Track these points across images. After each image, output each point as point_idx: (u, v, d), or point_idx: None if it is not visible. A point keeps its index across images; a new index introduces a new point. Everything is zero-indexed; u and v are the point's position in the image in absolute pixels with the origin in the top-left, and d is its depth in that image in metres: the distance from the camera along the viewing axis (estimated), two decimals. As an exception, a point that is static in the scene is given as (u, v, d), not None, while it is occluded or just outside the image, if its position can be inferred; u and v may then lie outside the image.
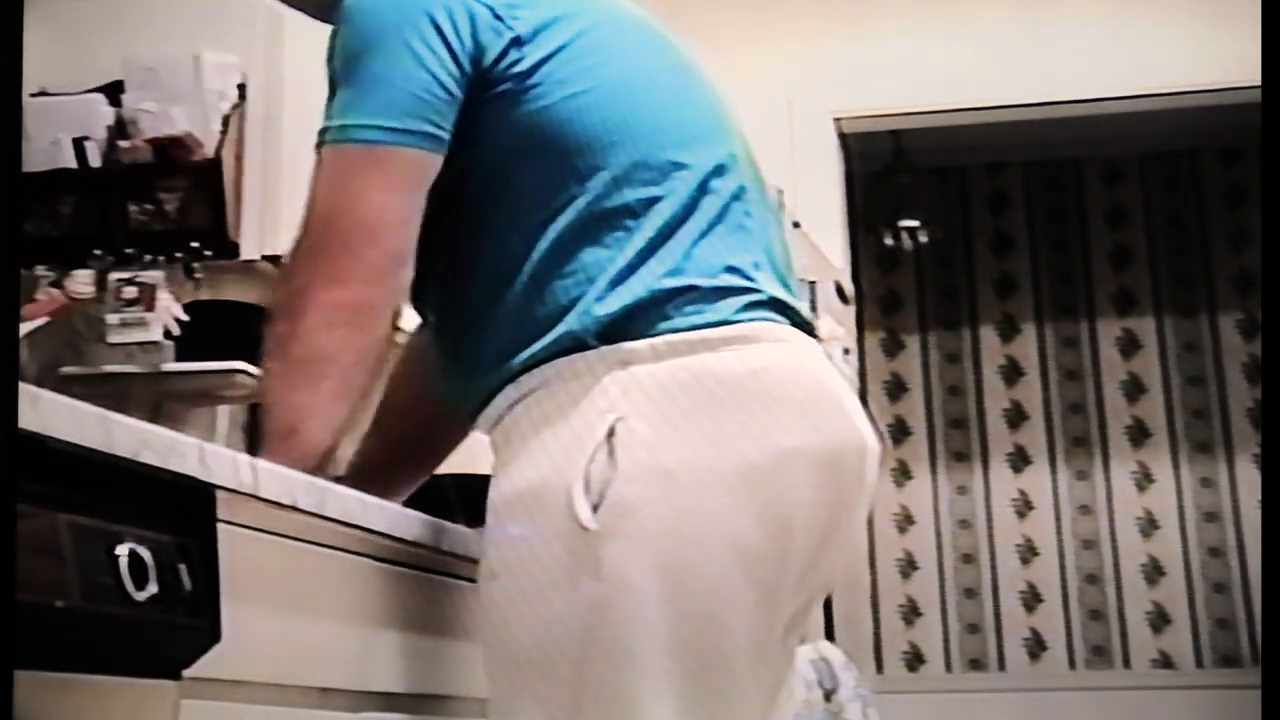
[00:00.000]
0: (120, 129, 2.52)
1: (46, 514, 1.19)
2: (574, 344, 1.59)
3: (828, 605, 3.20)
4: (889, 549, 5.49)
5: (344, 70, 1.65)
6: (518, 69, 1.63)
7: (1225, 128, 5.56)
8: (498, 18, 1.63)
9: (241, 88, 2.57)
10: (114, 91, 2.54)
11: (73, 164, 2.49)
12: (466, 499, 2.31)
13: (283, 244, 2.55)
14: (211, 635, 1.38)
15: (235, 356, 2.59)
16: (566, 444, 1.58)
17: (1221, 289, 5.94)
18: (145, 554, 1.28)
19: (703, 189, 1.66)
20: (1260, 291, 5.80)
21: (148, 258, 2.50)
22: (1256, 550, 5.68)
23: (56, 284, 2.50)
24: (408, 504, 1.87)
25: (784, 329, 1.64)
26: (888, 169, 5.75)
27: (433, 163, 1.62)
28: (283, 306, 1.66)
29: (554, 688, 1.56)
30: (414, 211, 1.62)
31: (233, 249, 2.52)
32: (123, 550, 1.26)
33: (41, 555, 1.17)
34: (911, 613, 5.95)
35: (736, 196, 1.70)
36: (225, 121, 2.52)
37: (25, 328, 2.45)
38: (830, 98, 4.26)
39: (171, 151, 2.49)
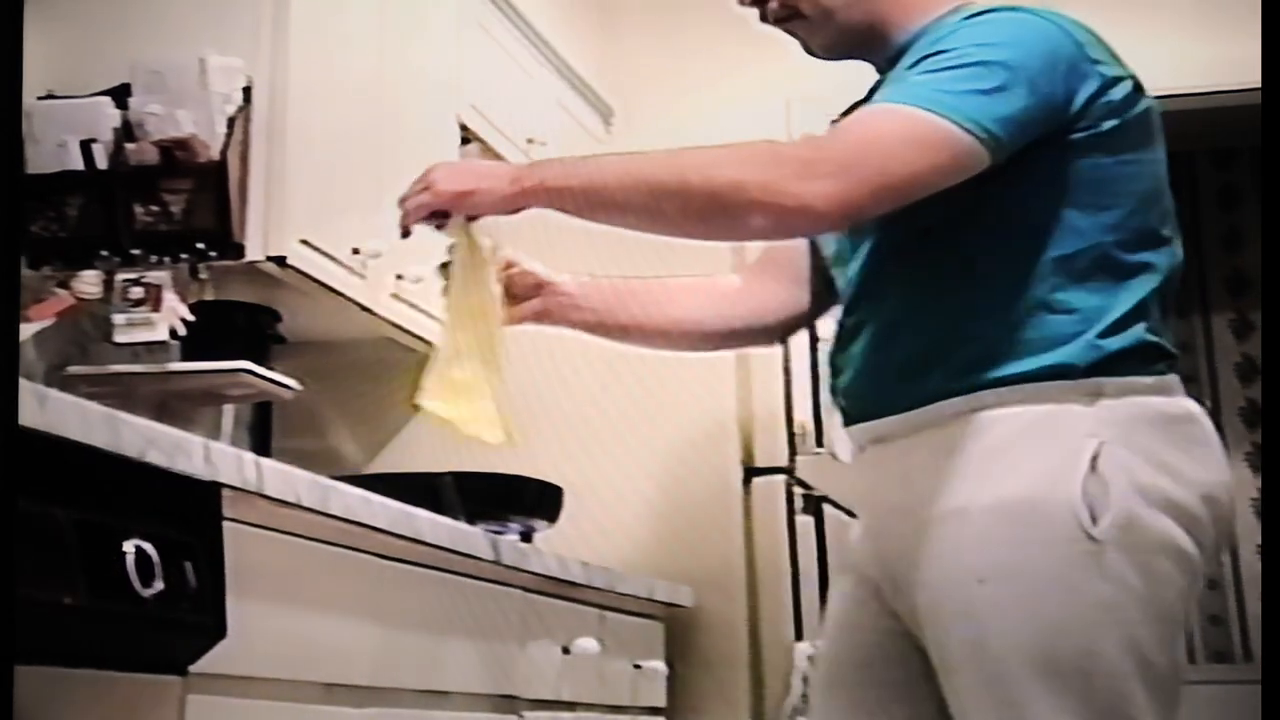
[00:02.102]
0: (127, 131, 2.52)
1: (54, 511, 1.20)
2: (1060, 373, 1.78)
3: (825, 603, 3.22)
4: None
5: (965, 56, 1.78)
6: (1099, 130, 1.82)
7: (1218, 130, 5.57)
8: (1104, 85, 1.83)
9: (246, 90, 2.57)
10: (120, 94, 2.54)
11: (80, 166, 2.50)
12: (468, 496, 2.33)
13: (287, 244, 2.58)
14: (217, 631, 1.40)
15: (240, 356, 2.60)
16: (1057, 460, 1.75)
17: (1214, 289, 5.94)
18: (151, 551, 1.29)
19: (1175, 266, 1.91)
20: (1254, 291, 5.82)
21: (154, 258, 2.50)
22: (1248, 548, 5.70)
23: (63, 285, 2.51)
24: (409, 500, 1.89)
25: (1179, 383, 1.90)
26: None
27: (980, 158, 1.74)
28: (765, 168, 1.77)
29: (1060, 684, 1.72)
30: (934, 186, 1.74)
31: (237, 250, 2.52)
32: (129, 547, 1.27)
33: (49, 552, 1.18)
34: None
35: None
36: (230, 123, 2.53)
37: (33, 328, 2.47)
38: (829, 101, 4.26)
39: (177, 153, 2.49)
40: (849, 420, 1.92)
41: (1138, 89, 1.88)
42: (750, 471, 3.04)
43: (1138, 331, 1.83)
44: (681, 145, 2.79)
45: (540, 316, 2.11)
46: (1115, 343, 1.80)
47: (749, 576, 3.00)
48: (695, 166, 1.79)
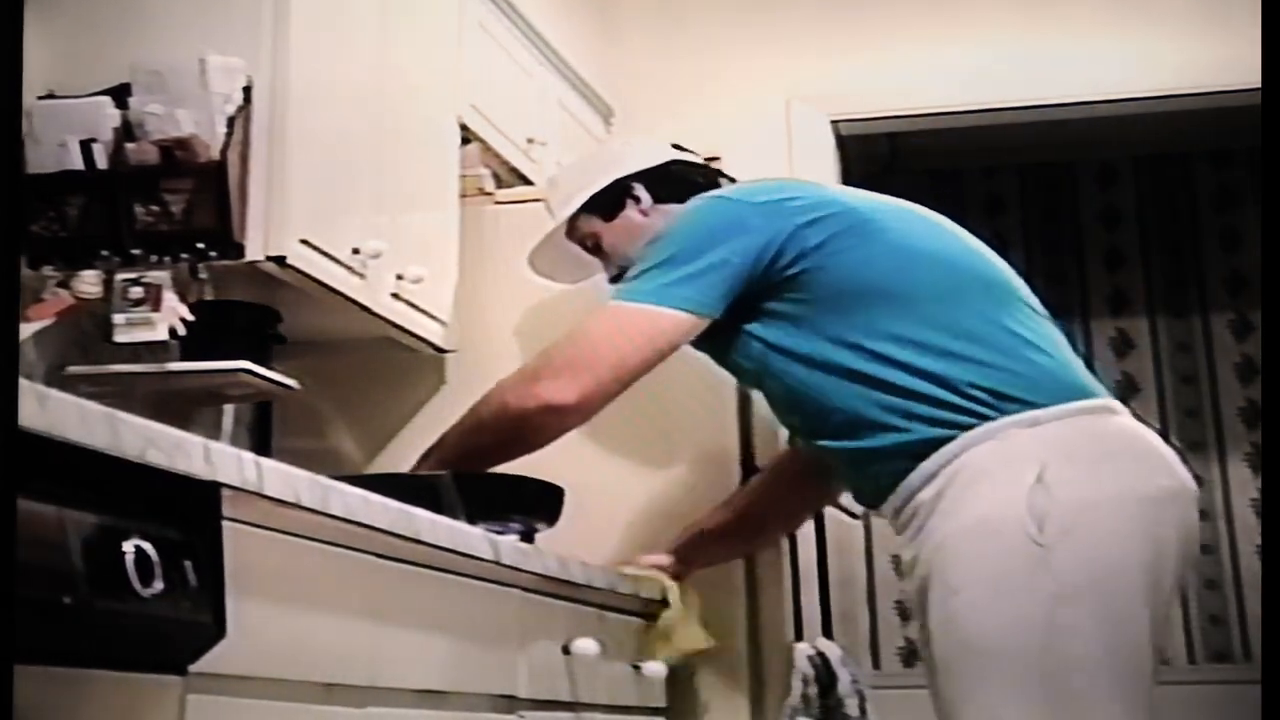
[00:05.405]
0: (127, 131, 2.52)
1: (54, 511, 1.20)
2: (990, 415, 2.14)
3: (825, 603, 3.22)
4: (885, 547, 5.48)
5: (652, 253, 2.34)
6: (801, 265, 2.29)
7: (1216, 131, 5.58)
8: (789, 236, 2.29)
9: (247, 90, 2.57)
10: (121, 94, 2.54)
11: (80, 166, 2.49)
12: (468, 496, 2.33)
13: (287, 244, 2.58)
14: (217, 631, 1.40)
15: (240, 356, 2.60)
16: (1007, 485, 2.08)
17: (1213, 289, 5.95)
18: (151, 551, 1.29)
19: (993, 316, 2.33)
20: (1252, 291, 5.83)
21: (154, 258, 2.50)
22: (1248, 548, 5.71)
23: (64, 284, 2.51)
24: (409, 500, 1.89)
25: (1119, 405, 2.25)
26: (884, 171, 5.76)
27: (685, 321, 2.29)
28: (514, 382, 2.38)
29: (1024, 672, 2.02)
30: (648, 356, 2.31)
31: (237, 249, 2.52)
32: (129, 547, 1.27)
33: (49, 552, 1.18)
34: (906, 609, 5.96)
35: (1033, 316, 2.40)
36: (230, 123, 2.53)
37: (33, 328, 2.47)
38: (828, 101, 4.27)
39: (177, 153, 2.49)
40: None
41: (843, 207, 2.33)
42: (750, 471, 3.04)
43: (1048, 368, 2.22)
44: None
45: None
46: (1018, 385, 2.17)
47: (749, 577, 3.00)
48: (481, 405, 2.39)
